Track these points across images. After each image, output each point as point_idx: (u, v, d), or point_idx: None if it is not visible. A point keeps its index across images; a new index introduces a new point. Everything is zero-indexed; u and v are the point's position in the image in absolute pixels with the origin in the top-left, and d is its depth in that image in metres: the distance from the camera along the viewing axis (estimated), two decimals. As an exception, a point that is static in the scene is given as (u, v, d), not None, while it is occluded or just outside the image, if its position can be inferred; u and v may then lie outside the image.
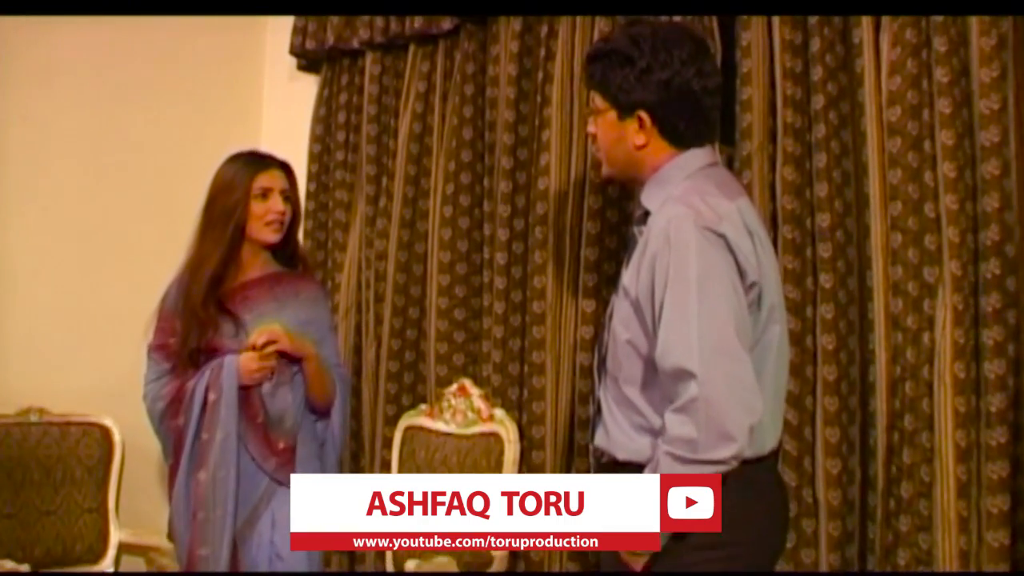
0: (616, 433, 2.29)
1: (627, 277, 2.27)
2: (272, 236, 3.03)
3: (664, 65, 2.25)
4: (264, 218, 3.01)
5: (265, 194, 3.01)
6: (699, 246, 2.12)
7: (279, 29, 4.31)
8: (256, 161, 3.06)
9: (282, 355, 2.98)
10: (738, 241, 2.16)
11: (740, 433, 2.06)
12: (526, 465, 3.37)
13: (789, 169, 2.94)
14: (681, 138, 2.29)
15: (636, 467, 2.20)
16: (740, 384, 2.08)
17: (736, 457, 2.07)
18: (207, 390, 2.93)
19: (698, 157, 2.31)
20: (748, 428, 2.07)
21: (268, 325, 2.97)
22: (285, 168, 3.09)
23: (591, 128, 2.41)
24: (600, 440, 2.35)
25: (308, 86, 4.29)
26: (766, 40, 3.00)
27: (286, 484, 2.92)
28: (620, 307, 2.29)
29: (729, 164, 3.04)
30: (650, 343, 2.18)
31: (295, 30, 4.17)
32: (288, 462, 2.96)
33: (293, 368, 3.01)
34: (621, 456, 2.27)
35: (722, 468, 2.07)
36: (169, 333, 3.02)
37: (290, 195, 3.06)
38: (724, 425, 2.05)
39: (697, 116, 2.29)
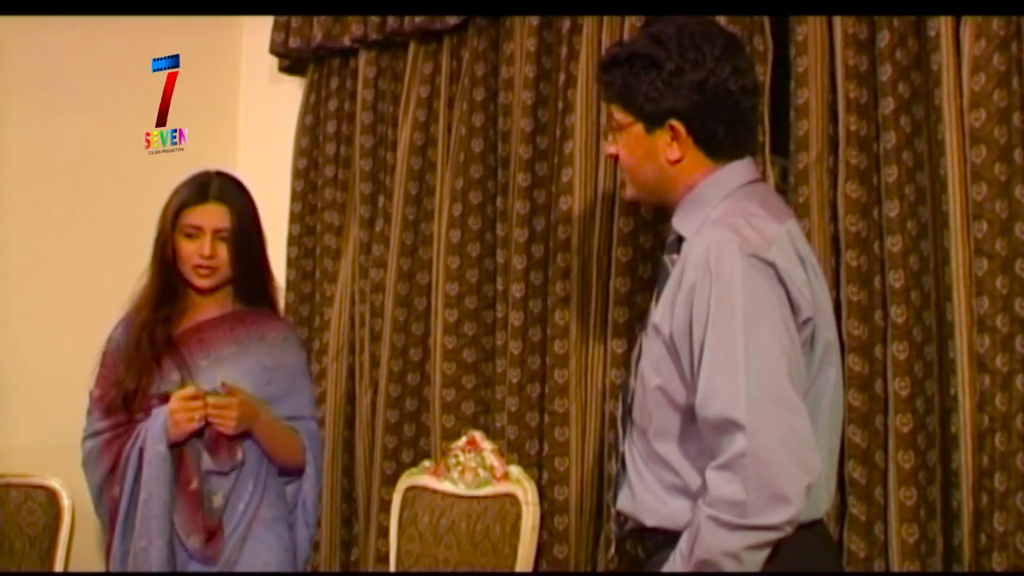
0: (644, 495, 2.27)
1: (658, 313, 2.25)
2: (200, 282, 3.04)
3: (696, 64, 2.24)
4: (190, 261, 3.01)
5: (192, 234, 2.99)
6: (745, 276, 2.11)
7: (257, 25, 4.31)
8: (189, 192, 3.03)
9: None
10: (789, 270, 2.15)
11: (796, 494, 2.04)
12: (547, 531, 3.34)
13: (853, 185, 2.92)
14: (720, 148, 2.28)
15: (668, 534, 2.18)
16: (795, 437, 2.06)
17: (791, 522, 2.04)
18: (141, 451, 2.92)
19: (737, 172, 2.30)
20: (805, 488, 2.05)
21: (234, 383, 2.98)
22: (228, 201, 3.03)
23: (611, 149, 2.41)
24: (624, 503, 2.33)
25: (292, 90, 4.29)
26: (825, 34, 2.99)
27: (214, 562, 2.92)
28: (650, 348, 2.27)
29: (783, 179, 3.03)
30: (687, 389, 2.17)
31: (276, 25, 4.16)
32: (217, 539, 2.94)
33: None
34: (650, 522, 2.26)
35: (775, 535, 2.05)
36: (112, 382, 3.02)
37: (228, 236, 3.00)
38: (778, 485, 2.03)
39: (736, 121, 2.28)
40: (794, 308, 2.14)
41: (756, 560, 2.06)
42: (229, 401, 2.93)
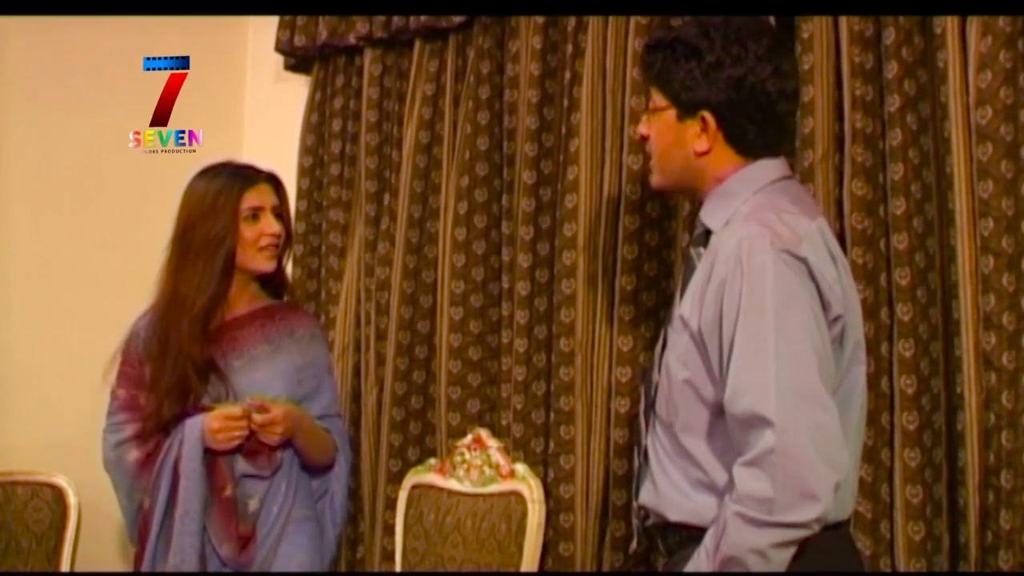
0: (668, 490, 2.26)
1: (685, 306, 2.24)
2: (268, 264, 3.00)
3: (737, 60, 2.23)
4: (257, 243, 2.97)
5: (256, 214, 2.96)
6: (777, 271, 2.10)
7: (263, 23, 4.31)
8: (241, 176, 3.01)
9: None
10: (821, 267, 2.14)
11: (825, 492, 2.03)
12: (552, 529, 3.34)
13: (859, 182, 2.91)
14: (749, 147, 2.28)
15: (692, 530, 2.18)
16: (824, 434, 2.05)
17: (820, 520, 2.04)
18: (176, 463, 2.87)
19: (768, 168, 2.30)
20: (834, 486, 2.04)
21: (271, 398, 2.92)
22: (273, 181, 3.05)
23: (643, 129, 2.39)
24: (647, 498, 2.32)
25: (297, 89, 4.29)
26: (831, 31, 2.98)
27: (247, 568, 2.86)
28: (676, 341, 2.26)
29: (788, 176, 3.02)
30: (714, 384, 2.17)
31: (282, 24, 4.16)
32: (251, 546, 2.90)
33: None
34: (674, 517, 2.24)
35: (802, 533, 2.04)
36: (136, 383, 2.97)
37: (282, 212, 3.02)
38: (806, 482, 2.02)
39: (769, 123, 2.27)
40: (825, 305, 2.13)
41: (783, 558, 2.05)
42: (274, 417, 2.89)
